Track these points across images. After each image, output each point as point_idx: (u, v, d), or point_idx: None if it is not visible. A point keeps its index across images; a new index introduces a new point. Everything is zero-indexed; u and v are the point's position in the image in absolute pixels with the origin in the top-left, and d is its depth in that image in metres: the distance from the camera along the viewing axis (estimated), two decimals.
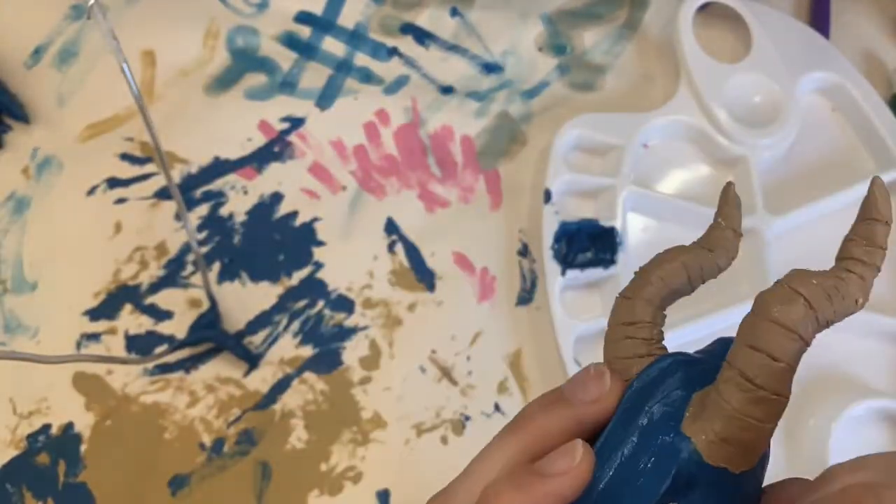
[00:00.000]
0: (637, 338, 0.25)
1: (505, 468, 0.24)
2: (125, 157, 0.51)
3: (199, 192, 0.51)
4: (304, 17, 0.55)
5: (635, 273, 0.26)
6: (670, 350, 0.25)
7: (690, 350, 0.26)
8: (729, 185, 0.26)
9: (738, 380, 0.21)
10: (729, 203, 0.27)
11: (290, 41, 0.55)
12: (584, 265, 0.48)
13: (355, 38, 0.55)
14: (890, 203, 0.23)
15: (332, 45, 0.55)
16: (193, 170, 0.51)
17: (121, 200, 0.50)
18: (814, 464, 0.46)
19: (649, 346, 0.25)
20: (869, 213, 0.23)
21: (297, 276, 0.49)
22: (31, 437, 0.45)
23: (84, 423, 0.45)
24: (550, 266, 0.48)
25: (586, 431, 0.24)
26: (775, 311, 0.21)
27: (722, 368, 0.22)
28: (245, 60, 0.54)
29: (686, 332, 0.47)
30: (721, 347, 0.25)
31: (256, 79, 0.54)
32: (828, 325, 0.22)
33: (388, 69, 0.55)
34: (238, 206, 0.51)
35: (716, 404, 0.22)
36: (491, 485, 0.23)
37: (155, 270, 0.49)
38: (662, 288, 0.25)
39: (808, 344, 0.22)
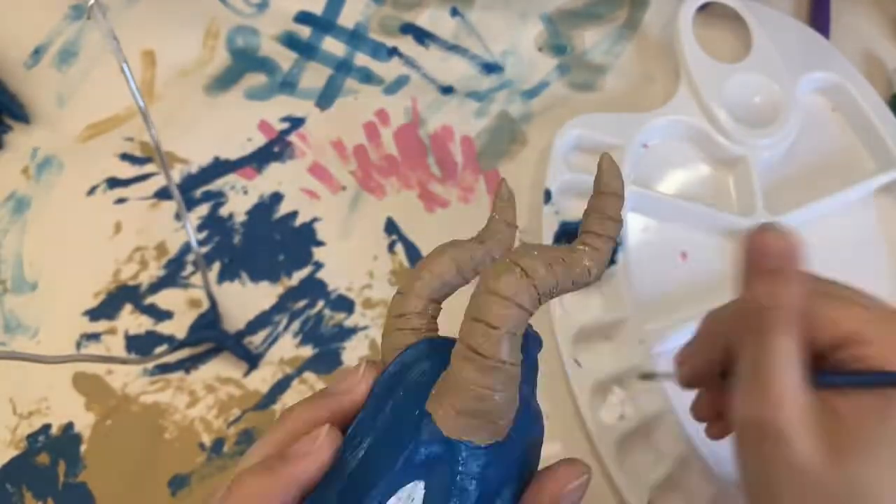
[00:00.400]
0: (406, 328, 0.26)
1: (259, 458, 0.25)
2: (125, 157, 0.51)
3: (199, 192, 0.51)
4: (304, 17, 0.55)
5: (410, 270, 0.28)
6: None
7: None
8: (502, 181, 0.28)
9: (466, 351, 0.22)
10: (501, 198, 0.28)
11: (290, 41, 0.55)
12: None
13: (355, 38, 0.55)
14: (620, 176, 0.25)
15: (332, 45, 0.55)
16: (193, 170, 0.51)
17: (121, 200, 0.50)
18: None
19: (418, 335, 0.26)
20: (599, 187, 0.25)
21: (297, 276, 0.49)
22: (31, 437, 0.45)
23: (84, 423, 0.45)
24: None
25: (346, 420, 0.25)
26: (491, 282, 0.22)
27: (456, 345, 0.23)
28: (245, 60, 0.54)
29: (686, 333, 0.47)
30: None
31: (256, 79, 0.54)
32: (552, 294, 0.23)
33: (388, 69, 0.55)
34: (238, 206, 0.51)
35: (451, 378, 0.23)
36: (238, 473, 0.24)
37: (155, 270, 0.49)
38: (431, 280, 0.26)
39: (528, 311, 0.22)
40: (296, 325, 0.48)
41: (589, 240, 0.24)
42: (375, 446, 0.23)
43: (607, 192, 0.24)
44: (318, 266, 0.50)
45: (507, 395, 0.23)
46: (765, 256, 0.29)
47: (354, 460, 0.23)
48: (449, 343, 0.25)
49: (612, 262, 0.49)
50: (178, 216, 0.50)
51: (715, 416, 0.36)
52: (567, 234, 0.49)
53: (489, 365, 0.22)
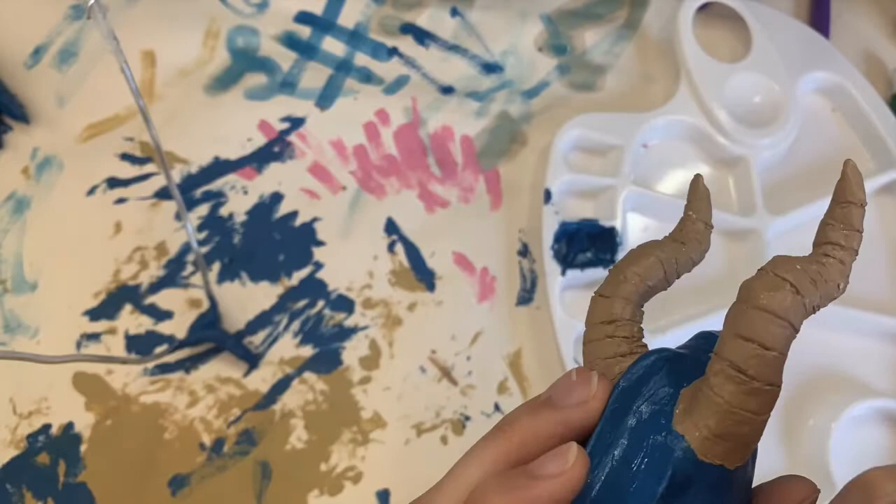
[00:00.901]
0: (618, 336, 0.24)
1: (490, 471, 0.23)
2: (125, 157, 0.51)
3: (199, 192, 0.51)
4: (304, 17, 0.55)
5: (610, 271, 0.26)
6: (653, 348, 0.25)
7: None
8: (697, 177, 0.26)
9: (730, 371, 0.21)
10: (699, 196, 0.26)
11: (290, 41, 0.55)
12: (584, 265, 0.48)
13: (355, 38, 0.55)
14: (863, 185, 0.23)
15: (332, 45, 0.55)
16: (193, 170, 0.51)
17: (121, 200, 0.50)
18: (814, 464, 0.46)
19: (630, 344, 0.24)
20: (844, 196, 0.23)
21: (297, 276, 0.49)
22: (31, 437, 0.45)
23: (84, 423, 0.45)
24: (550, 266, 0.48)
25: (574, 435, 0.23)
26: (763, 298, 0.21)
27: (711, 361, 0.21)
28: (245, 60, 0.54)
29: (686, 333, 0.47)
30: (703, 341, 0.25)
31: (256, 79, 0.54)
32: (815, 310, 0.22)
33: (388, 69, 0.55)
34: (238, 206, 0.51)
35: (708, 399, 0.21)
36: (479, 487, 0.23)
37: (155, 270, 0.49)
38: (639, 284, 0.25)
39: (797, 331, 0.21)
40: (296, 325, 0.48)
41: (835, 252, 0.22)
42: (620, 468, 0.22)
43: (854, 201, 0.23)
44: (318, 266, 0.50)
45: (767, 419, 0.21)
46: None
47: (597, 482, 0.22)
48: (682, 357, 0.23)
49: (612, 262, 0.49)
50: (178, 216, 0.50)
51: None
52: (567, 234, 0.49)
53: (758, 388, 0.21)
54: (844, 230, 0.22)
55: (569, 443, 0.22)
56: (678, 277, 0.26)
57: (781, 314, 0.21)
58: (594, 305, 0.25)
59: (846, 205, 0.23)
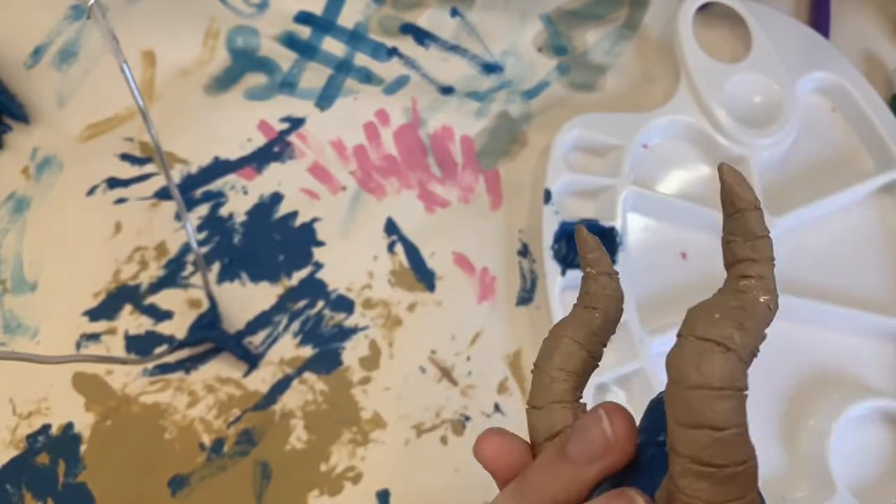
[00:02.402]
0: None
1: None
2: (125, 157, 0.51)
3: (199, 192, 0.51)
4: (304, 17, 0.55)
5: (532, 372, 0.24)
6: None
7: None
8: (579, 228, 0.24)
9: (694, 468, 0.18)
10: (589, 247, 0.24)
11: (290, 41, 0.55)
12: None
13: (355, 38, 0.55)
14: (748, 185, 0.20)
15: (332, 45, 0.55)
16: (193, 170, 0.51)
17: (121, 200, 0.50)
18: (814, 464, 0.46)
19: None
20: (733, 206, 0.20)
21: (297, 277, 0.49)
22: (31, 437, 0.45)
23: (84, 423, 0.45)
24: (550, 266, 0.48)
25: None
26: (693, 375, 0.18)
27: (670, 460, 0.19)
28: (245, 60, 0.54)
29: None
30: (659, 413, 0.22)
31: (256, 79, 0.54)
32: (755, 353, 0.19)
33: (388, 69, 0.55)
34: (238, 206, 0.51)
35: (682, 501, 0.19)
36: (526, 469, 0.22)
37: (155, 270, 0.49)
38: (567, 379, 0.23)
39: (745, 390, 0.18)
40: (296, 325, 0.48)
41: (750, 270, 0.19)
42: None
43: (745, 208, 0.20)
44: (318, 266, 0.50)
45: (756, 495, 0.19)
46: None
47: None
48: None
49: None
50: (178, 216, 0.50)
51: None
52: (567, 234, 0.49)
53: (731, 473, 0.18)
54: (748, 241, 0.20)
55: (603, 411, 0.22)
56: (605, 346, 0.24)
57: (719, 384, 0.18)
58: (532, 420, 0.23)
59: (738, 214, 0.20)
